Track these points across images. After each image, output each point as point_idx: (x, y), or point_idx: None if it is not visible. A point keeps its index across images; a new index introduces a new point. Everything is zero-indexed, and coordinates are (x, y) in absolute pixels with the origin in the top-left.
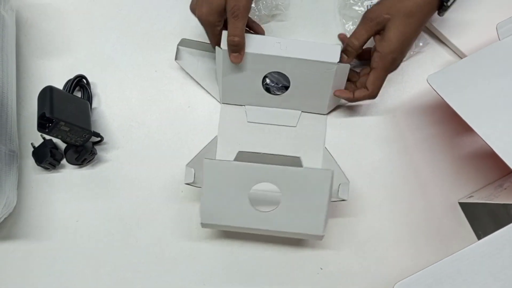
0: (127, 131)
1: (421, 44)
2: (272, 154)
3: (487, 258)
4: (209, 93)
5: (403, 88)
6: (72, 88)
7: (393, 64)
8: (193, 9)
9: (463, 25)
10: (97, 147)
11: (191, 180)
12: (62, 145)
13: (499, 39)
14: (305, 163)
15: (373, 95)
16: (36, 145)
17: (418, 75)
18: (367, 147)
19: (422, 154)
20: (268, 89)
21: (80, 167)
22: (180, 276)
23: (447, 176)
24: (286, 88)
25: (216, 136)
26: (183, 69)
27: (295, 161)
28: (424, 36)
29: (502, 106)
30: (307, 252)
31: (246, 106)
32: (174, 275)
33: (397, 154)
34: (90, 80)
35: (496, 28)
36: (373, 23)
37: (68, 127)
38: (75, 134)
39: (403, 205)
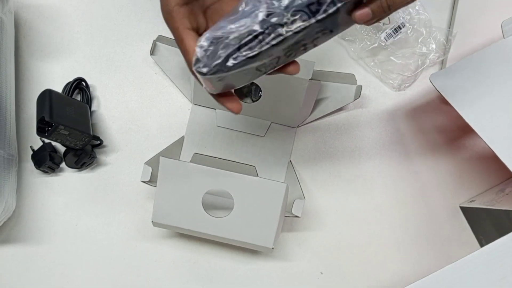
0: (126, 134)
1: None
2: (228, 160)
3: (489, 266)
4: (181, 91)
5: (404, 89)
6: (71, 91)
7: None
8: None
9: (468, 25)
10: (96, 150)
11: (147, 179)
12: (61, 148)
13: (504, 37)
14: (268, 175)
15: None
16: (35, 148)
17: (420, 77)
18: (367, 151)
19: (423, 158)
20: (249, 92)
21: (79, 171)
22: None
23: (449, 180)
24: None
25: (183, 136)
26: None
27: (250, 170)
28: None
29: (506, 108)
30: (307, 255)
31: (217, 110)
32: (171, 278)
33: (398, 158)
34: (89, 82)
35: (501, 26)
36: None
37: (68, 131)
38: (74, 138)
39: (404, 209)
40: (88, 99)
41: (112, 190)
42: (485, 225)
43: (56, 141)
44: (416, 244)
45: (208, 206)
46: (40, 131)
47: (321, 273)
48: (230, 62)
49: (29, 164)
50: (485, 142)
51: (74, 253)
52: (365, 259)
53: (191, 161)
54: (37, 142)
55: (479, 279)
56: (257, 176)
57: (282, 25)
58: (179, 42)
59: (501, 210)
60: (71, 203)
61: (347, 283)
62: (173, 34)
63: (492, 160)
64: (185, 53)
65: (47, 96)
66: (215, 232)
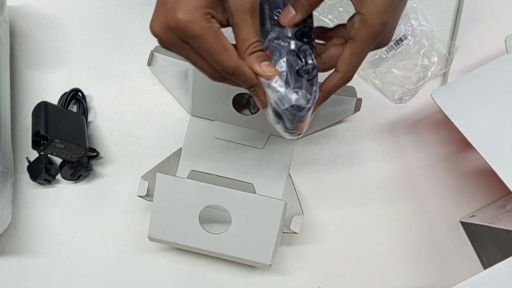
0: (123, 145)
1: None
2: (225, 177)
3: None
4: (179, 102)
5: (405, 101)
6: (67, 101)
7: (383, 32)
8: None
9: (470, 38)
10: (92, 162)
11: (143, 193)
12: (58, 160)
13: (508, 53)
14: (267, 187)
15: (347, 79)
16: (31, 159)
17: (422, 89)
18: (367, 164)
19: (423, 171)
20: (247, 103)
21: (76, 182)
22: None
23: (449, 194)
24: None
25: (181, 148)
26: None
27: (248, 188)
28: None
29: (507, 126)
30: (306, 269)
31: (215, 122)
32: None
33: (398, 171)
34: (85, 92)
35: (505, 41)
36: None
37: (63, 144)
38: (70, 151)
39: (404, 223)
40: (84, 110)
41: (108, 202)
42: (485, 242)
43: (51, 154)
44: (416, 258)
45: (205, 220)
46: (36, 145)
47: None
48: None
49: (25, 176)
50: (485, 160)
51: (70, 266)
52: (364, 274)
53: (187, 178)
54: (33, 153)
55: None
56: (255, 193)
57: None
58: (214, 41)
59: (502, 229)
60: (67, 215)
61: None
62: (200, 37)
63: (493, 175)
64: (223, 51)
65: (42, 109)
66: (212, 248)
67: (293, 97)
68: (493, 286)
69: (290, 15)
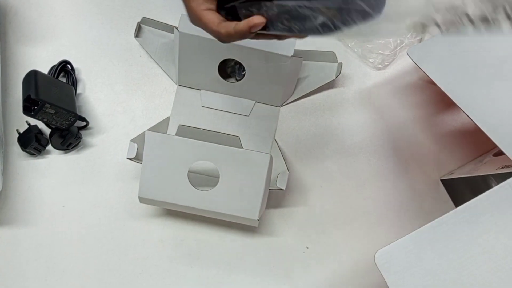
0: (112, 116)
1: None
2: (212, 131)
3: (466, 224)
4: (166, 73)
5: (384, 68)
6: (56, 73)
7: None
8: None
9: None
10: (82, 132)
11: (133, 155)
12: (47, 131)
13: None
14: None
15: None
16: (21, 131)
17: (400, 57)
18: (349, 129)
19: (403, 134)
20: (233, 71)
21: (66, 153)
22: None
23: (429, 155)
24: None
25: (168, 116)
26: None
27: (235, 141)
28: None
29: (483, 78)
30: (293, 230)
31: (202, 91)
32: (159, 257)
33: (379, 135)
34: (75, 66)
35: None
36: None
37: (54, 110)
38: (60, 117)
39: (386, 184)
40: (73, 81)
41: (98, 171)
42: (465, 195)
43: (42, 120)
44: (399, 218)
45: (195, 180)
46: (27, 110)
47: (307, 248)
48: None
49: (16, 148)
50: (464, 113)
51: (62, 235)
52: (349, 233)
53: (176, 134)
54: (23, 126)
55: (456, 237)
56: (241, 147)
57: None
58: (197, 20)
59: (479, 176)
60: (58, 185)
61: (332, 257)
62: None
63: (471, 135)
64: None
65: (32, 76)
66: (201, 205)
67: None
68: (466, 222)
69: None
